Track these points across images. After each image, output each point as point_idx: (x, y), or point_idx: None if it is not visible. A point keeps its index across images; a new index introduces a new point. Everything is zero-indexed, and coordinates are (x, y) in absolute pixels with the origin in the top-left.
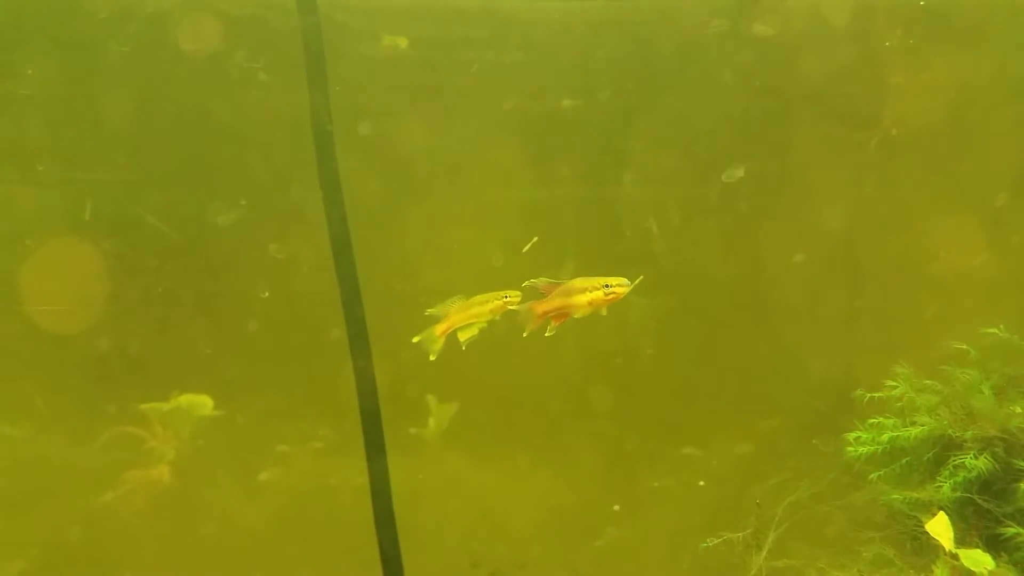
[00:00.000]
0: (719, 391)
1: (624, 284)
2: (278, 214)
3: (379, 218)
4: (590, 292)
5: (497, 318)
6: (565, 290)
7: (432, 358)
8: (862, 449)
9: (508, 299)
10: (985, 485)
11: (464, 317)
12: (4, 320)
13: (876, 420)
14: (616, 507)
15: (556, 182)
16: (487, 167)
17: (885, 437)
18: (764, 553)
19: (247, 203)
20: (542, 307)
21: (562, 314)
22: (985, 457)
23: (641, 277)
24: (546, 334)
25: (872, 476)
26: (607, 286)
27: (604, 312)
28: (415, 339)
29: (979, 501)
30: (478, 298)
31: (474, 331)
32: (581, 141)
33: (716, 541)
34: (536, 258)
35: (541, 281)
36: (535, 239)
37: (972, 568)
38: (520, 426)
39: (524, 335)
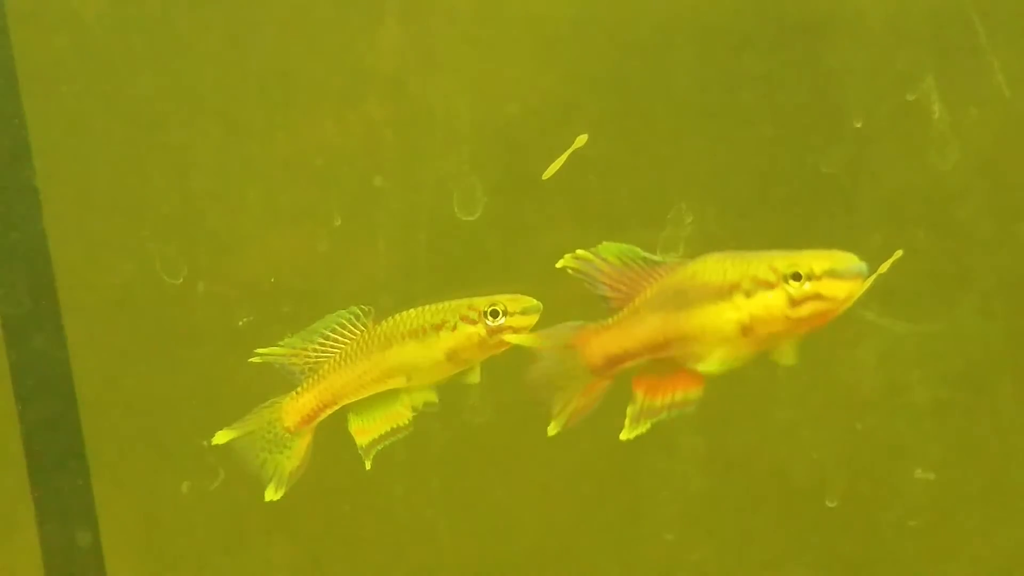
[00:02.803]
0: None
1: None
2: None
3: None
4: (735, 298)
5: (474, 377)
6: (677, 291)
7: (274, 496)
8: None
9: (501, 316)
10: None
11: (367, 375)
12: None
13: None
14: None
15: None
16: None
17: None
18: None
19: None
20: (608, 343)
21: (671, 363)
22: None
23: (899, 253)
24: (623, 435)
25: None
26: None
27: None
28: (221, 439)
29: None
30: (410, 317)
31: (399, 414)
32: None
33: None
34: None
35: (614, 254)
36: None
37: None
38: None
39: (549, 432)
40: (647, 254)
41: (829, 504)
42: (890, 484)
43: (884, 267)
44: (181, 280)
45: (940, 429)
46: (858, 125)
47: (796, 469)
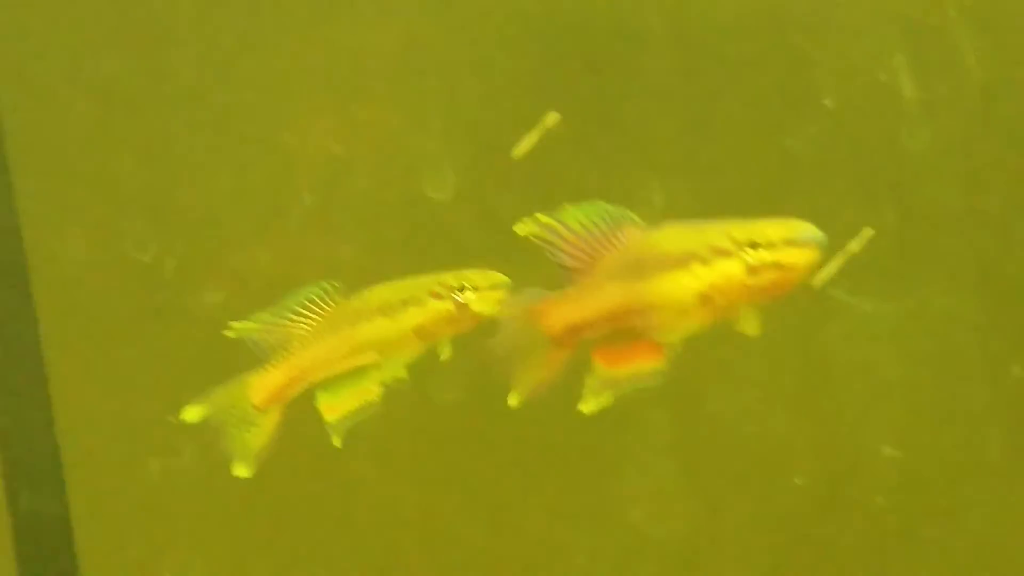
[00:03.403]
0: None
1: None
2: None
3: None
4: (680, 270)
5: (444, 353)
6: (637, 260)
7: (243, 473)
8: None
9: (470, 293)
10: None
11: (336, 351)
12: None
13: None
14: None
15: None
16: None
17: None
18: None
19: None
20: (568, 312)
21: (631, 333)
22: None
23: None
24: (583, 407)
25: None
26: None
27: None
28: (189, 416)
29: None
30: (379, 293)
31: (368, 390)
32: None
33: None
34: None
35: (577, 221)
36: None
37: None
38: None
39: (510, 402)
40: (614, 208)
41: (797, 481)
42: (858, 462)
43: (853, 246)
44: (150, 257)
45: (908, 407)
46: (828, 104)
47: (764, 447)
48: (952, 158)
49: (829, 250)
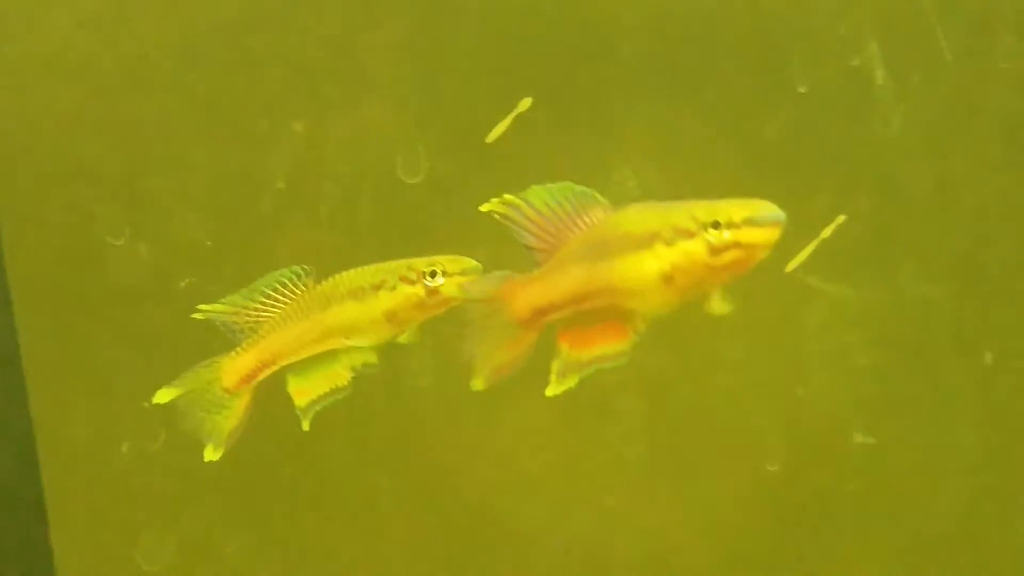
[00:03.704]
0: None
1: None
2: None
3: None
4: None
5: (410, 339)
6: (601, 241)
7: (213, 457)
8: None
9: (440, 276)
10: None
11: (307, 335)
12: None
13: None
14: None
15: None
16: None
17: None
18: None
19: None
20: (534, 294)
21: (596, 315)
22: None
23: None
24: (548, 390)
25: None
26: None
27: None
28: (161, 398)
29: None
30: (350, 277)
31: (338, 375)
32: None
33: None
34: None
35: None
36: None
37: None
38: None
39: (473, 387)
40: (581, 189)
41: (770, 468)
42: (830, 448)
43: (827, 232)
44: (123, 241)
45: (881, 394)
46: (802, 90)
47: (737, 433)
48: (925, 145)
49: (803, 237)
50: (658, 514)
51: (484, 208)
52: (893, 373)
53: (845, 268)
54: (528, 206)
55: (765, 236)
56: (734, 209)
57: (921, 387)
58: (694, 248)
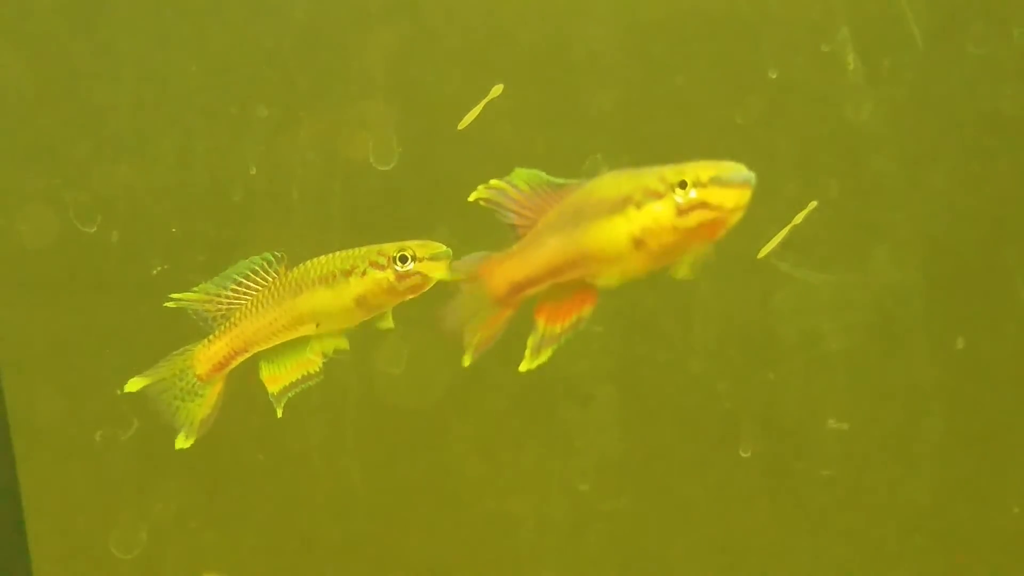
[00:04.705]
0: None
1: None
2: None
3: None
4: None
5: (386, 324)
6: (576, 210)
7: (185, 444)
8: None
9: (411, 261)
10: None
11: (278, 322)
12: None
13: None
14: None
15: None
16: None
17: None
18: None
19: None
20: (510, 270)
21: (571, 287)
22: None
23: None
24: (522, 366)
25: None
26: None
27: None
28: (133, 387)
29: None
30: (320, 263)
31: (309, 361)
32: None
33: None
34: None
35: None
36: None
37: None
38: None
39: (464, 363)
40: (553, 178)
41: (743, 454)
42: (803, 434)
43: (799, 218)
44: (95, 228)
45: (853, 379)
46: (773, 76)
47: (710, 419)
48: (896, 131)
49: (774, 223)
50: (632, 500)
51: (472, 198)
52: (865, 359)
53: (817, 254)
54: (511, 186)
55: (733, 196)
56: (701, 169)
57: (893, 373)
58: (662, 209)
